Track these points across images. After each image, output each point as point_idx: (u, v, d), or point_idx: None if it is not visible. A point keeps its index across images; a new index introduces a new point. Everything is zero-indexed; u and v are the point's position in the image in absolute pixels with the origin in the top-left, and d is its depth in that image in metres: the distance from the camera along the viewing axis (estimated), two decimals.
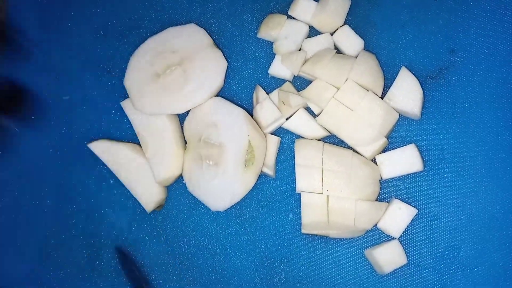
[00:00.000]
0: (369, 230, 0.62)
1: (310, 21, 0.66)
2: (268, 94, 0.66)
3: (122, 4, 0.73)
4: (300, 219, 0.62)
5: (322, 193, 0.61)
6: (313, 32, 0.66)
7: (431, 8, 0.64)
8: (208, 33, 0.68)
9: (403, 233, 0.61)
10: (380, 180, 0.62)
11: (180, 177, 0.67)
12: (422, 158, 0.62)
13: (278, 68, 0.66)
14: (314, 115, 0.64)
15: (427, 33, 0.64)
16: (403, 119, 0.63)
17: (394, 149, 0.62)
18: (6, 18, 0.73)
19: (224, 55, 0.67)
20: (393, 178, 0.62)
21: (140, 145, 0.69)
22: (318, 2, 0.66)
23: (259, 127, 0.65)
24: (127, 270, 0.67)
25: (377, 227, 0.62)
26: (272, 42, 0.67)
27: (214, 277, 0.66)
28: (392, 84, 0.62)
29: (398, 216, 0.61)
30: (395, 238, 0.61)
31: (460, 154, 0.62)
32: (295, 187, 0.62)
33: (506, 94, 0.61)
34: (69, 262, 0.69)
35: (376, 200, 0.62)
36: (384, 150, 0.63)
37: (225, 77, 0.67)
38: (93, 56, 0.72)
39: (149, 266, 0.68)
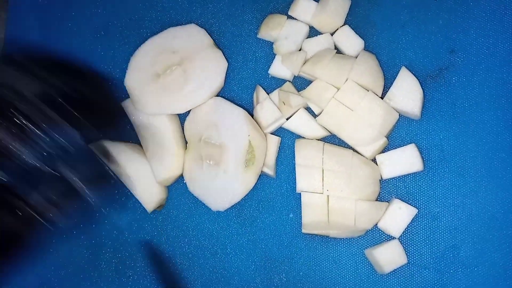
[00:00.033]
0: (369, 230, 0.62)
1: (310, 21, 0.66)
2: (268, 94, 0.66)
3: (123, 5, 0.73)
4: (301, 219, 0.62)
5: (322, 193, 0.61)
6: (313, 32, 0.67)
7: (431, 8, 0.64)
8: (209, 33, 0.68)
9: (403, 233, 0.61)
10: (380, 180, 0.62)
11: (181, 177, 0.67)
12: (422, 158, 0.62)
13: (279, 68, 0.66)
14: (314, 115, 0.64)
15: (427, 33, 0.64)
16: (403, 119, 0.63)
17: (394, 149, 0.62)
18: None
19: (224, 55, 0.68)
20: (393, 178, 0.62)
21: (140, 145, 0.69)
22: (318, 2, 0.66)
23: (260, 127, 0.65)
24: (158, 270, 0.67)
25: (377, 227, 0.62)
26: (273, 42, 0.67)
27: (214, 277, 0.66)
28: (392, 84, 0.62)
29: (398, 216, 0.61)
30: (395, 238, 0.61)
31: (460, 154, 0.62)
32: (295, 187, 0.62)
33: (506, 94, 0.61)
34: (70, 262, 0.70)
35: (376, 200, 0.62)
36: (384, 150, 0.63)
37: (226, 77, 0.68)
38: (93, 56, 0.72)
39: (149, 266, 0.68)
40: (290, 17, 0.67)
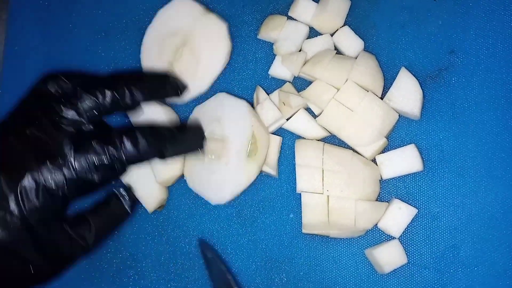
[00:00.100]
0: (369, 230, 0.62)
1: (310, 22, 0.66)
2: (268, 94, 0.66)
3: (123, 5, 0.73)
4: (301, 219, 0.62)
5: (322, 193, 0.61)
6: (313, 33, 0.67)
7: (430, 9, 0.64)
8: None
9: (403, 232, 0.61)
10: (380, 180, 0.62)
11: (181, 177, 0.67)
12: (422, 158, 0.62)
13: (279, 69, 0.66)
14: (315, 116, 0.64)
15: (426, 34, 0.64)
16: (403, 119, 0.63)
17: (394, 149, 0.62)
18: None
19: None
20: (393, 178, 0.63)
21: None
22: (318, 3, 0.66)
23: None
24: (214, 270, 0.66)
25: (377, 227, 0.62)
26: (272, 43, 0.67)
27: None
28: (392, 84, 0.62)
29: (398, 216, 0.61)
30: (395, 238, 0.61)
31: (460, 154, 0.62)
32: (295, 187, 0.63)
33: (506, 95, 0.61)
34: None
35: (376, 200, 0.62)
36: (384, 150, 0.63)
37: (226, 78, 0.68)
38: (94, 57, 0.73)
39: (150, 266, 0.68)
40: (290, 17, 0.67)
